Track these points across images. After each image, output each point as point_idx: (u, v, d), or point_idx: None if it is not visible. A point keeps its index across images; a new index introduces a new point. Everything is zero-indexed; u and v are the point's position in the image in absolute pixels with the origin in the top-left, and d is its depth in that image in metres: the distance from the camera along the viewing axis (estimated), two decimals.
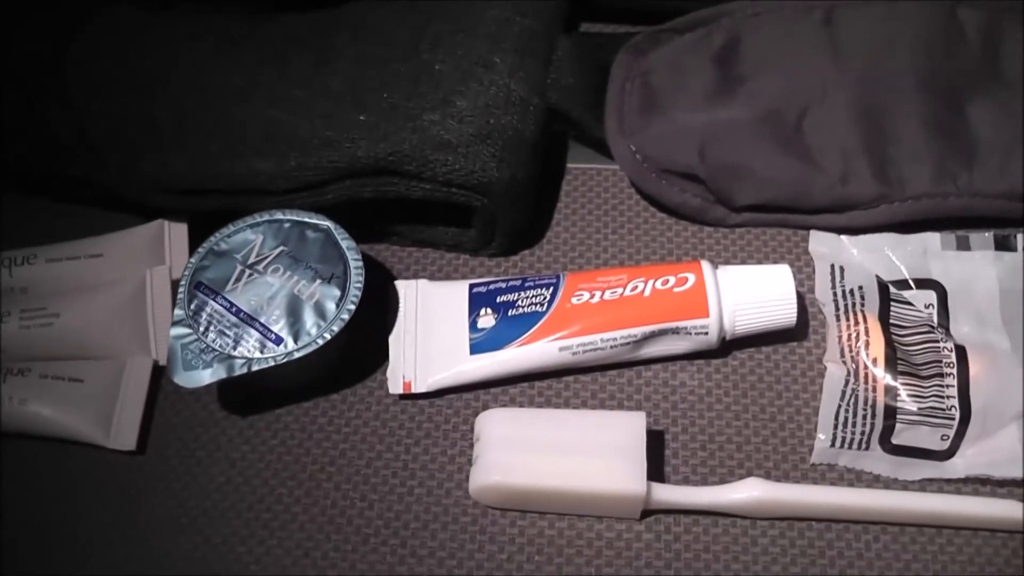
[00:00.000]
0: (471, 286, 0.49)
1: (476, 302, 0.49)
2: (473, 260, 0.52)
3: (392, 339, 0.49)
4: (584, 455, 0.44)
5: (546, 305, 0.48)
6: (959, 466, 0.46)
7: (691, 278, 0.47)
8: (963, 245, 0.51)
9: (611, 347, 0.47)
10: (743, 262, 0.52)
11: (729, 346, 0.49)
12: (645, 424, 0.44)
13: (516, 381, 0.49)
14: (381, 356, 0.49)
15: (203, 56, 0.52)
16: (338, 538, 0.45)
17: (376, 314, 0.50)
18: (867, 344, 0.48)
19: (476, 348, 0.48)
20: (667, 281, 0.47)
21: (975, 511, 0.44)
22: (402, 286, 0.50)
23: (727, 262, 0.52)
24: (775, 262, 0.52)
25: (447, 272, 0.52)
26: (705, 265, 0.48)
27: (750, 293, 0.47)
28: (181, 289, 0.47)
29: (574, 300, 0.47)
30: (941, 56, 0.53)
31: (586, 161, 0.55)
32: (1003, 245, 0.51)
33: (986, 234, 0.51)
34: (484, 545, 0.45)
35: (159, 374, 0.49)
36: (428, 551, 0.45)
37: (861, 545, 0.45)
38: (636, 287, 0.47)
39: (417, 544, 0.45)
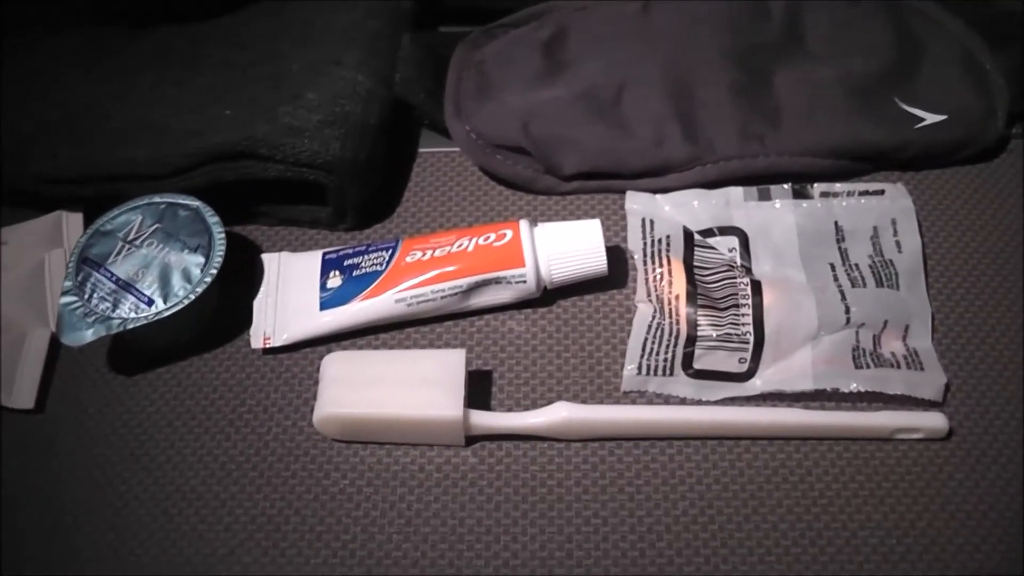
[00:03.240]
0: (324, 253, 0.57)
1: (327, 267, 0.56)
2: (331, 235, 0.60)
3: (256, 303, 0.57)
4: (409, 387, 0.51)
5: (385, 264, 0.55)
6: (757, 385, 0.53)
7: (508, 233, 0.55)
8: (764, 196, 0.58)
9: (441, 298, 0.54)
10: None
11: (553, 295, 0.56)
12: (464, 359, 0.52)
13: (363, 334, 0.56)
14: (248, 319, 0.56)
15: (87, 65, 0.61)
16: (209, 477, 0.52)
17: (244, 284, 0.57)
18: (670, 283, 0.55)
19: (325, 304, 0.55)
20: (488, 237, 0.55)
21: (750, 419, 0.51)
22: (266, 258, 0.58)
23: None
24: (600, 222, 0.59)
25: (309, 246, 0.60)
26: (523, 223, 0.55)
27: (563, 245, 0.55)
28: (69, 264, 0.55)
29: (408, 259, 0.55)
30: (746, 32, 0.61)
31: (435, 145, 0.63)
32: (800, 194, 0.58)
33: (785, 186, 0.58)
34: (330, 473, 0.52)
35: (57, 344, 0.57)
36: (282, 480, 0.52)
37: (665, 458, 0.52)
38: (462, 244, 0.55)
39: (273, 475, 0.52)
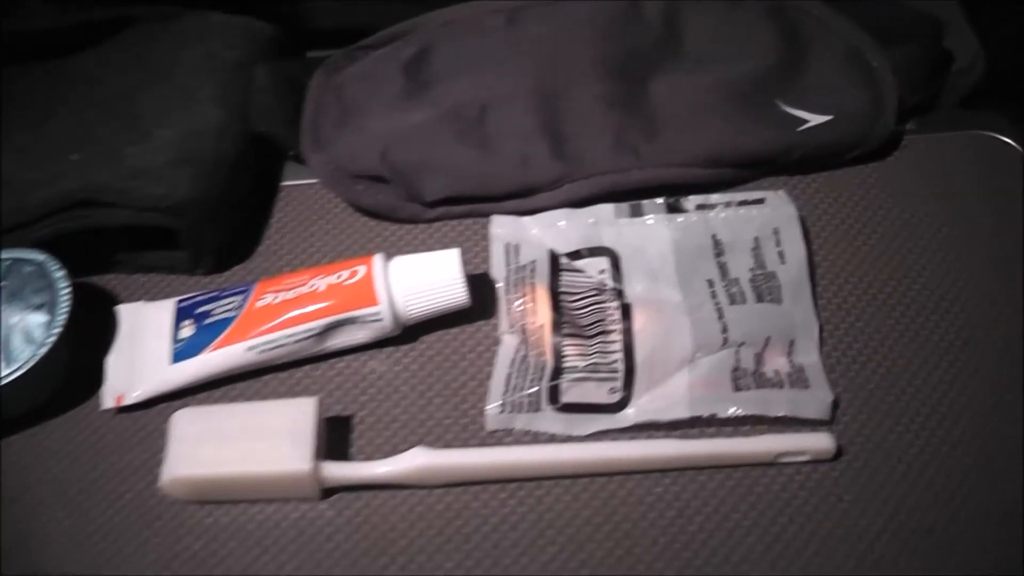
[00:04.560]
0: (178, 301, 0.55)
1: (181, 315, 0.55)
2: (190, 280, 0.58)
3: (109, 359, 0.55)
4: (258, 441, 0.49)
5: (237, 310, 0.53)
6: (630, 415, 0.51)
7: (361, 270, 0.53)
8: (636, 212, 0.56)
9: (295, 342, 0.53)
10: None
11: (416, 330, 0.55)
12: (316, 408, 0.50)
13: (220, 384, 0.54)
14: (101, 379, 0.55)
15: None
16: (61, 551, 0.50)
17: (98, 338, 0.55)
18: (534, 312, 0.53)
19: (177, 356, 0.53)
20: (340, 275, 0.53)
21: (621, 454, 0.49)
22: (121, 309, 0.56)
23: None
24: (468, 250, 0.57)
25: (168, 293, 0.58)
26: (377, 258, 0.53)
27: (420, 278, 0.53)
28: None
29: (259, 304, 0.53)
30: (618, 40, 0.59)
31: (301, 177, 0.61)
32: (674, 208, 0.56)
33: (658, 201, 0.56)
34: (182, 538, 0.50)
35: None
36: (134, 549, 0.50)
37: (533, 500, 0.50)
38: (314, 285, 0.53)
39: (125, 544, 0.50)
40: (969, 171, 0.60)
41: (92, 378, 0.55)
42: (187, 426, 0.50)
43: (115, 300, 0.58)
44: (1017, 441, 0.50)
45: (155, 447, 0.52)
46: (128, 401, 0.53)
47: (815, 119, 0.58)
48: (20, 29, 0.63)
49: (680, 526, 0.48)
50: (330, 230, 0.59)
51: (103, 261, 0.58)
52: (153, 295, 0.58)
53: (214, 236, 0.57)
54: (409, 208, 0.58)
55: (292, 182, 0.62)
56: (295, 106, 0.60)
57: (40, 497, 0.52)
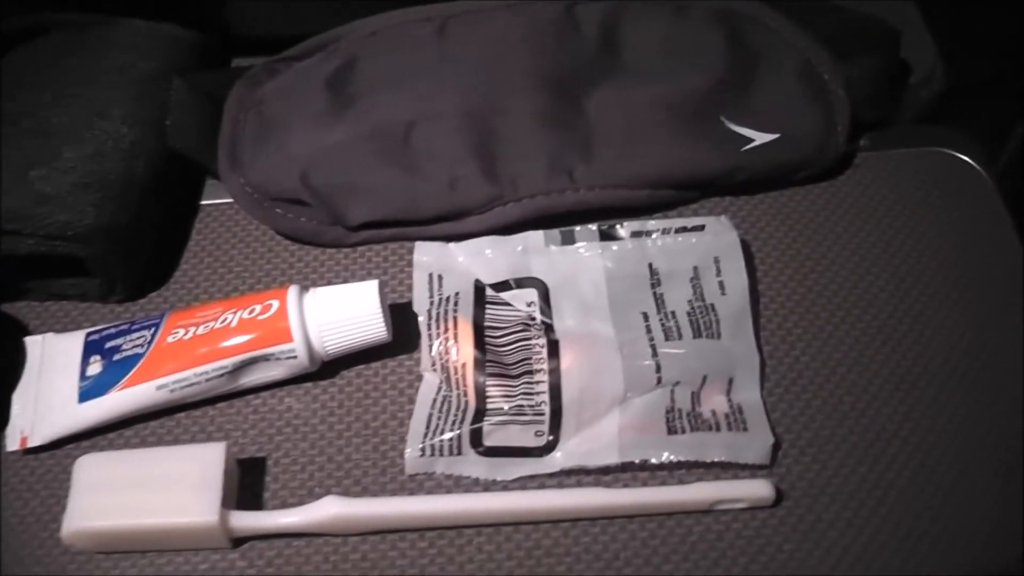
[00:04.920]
0: (88, 334, 0.53)
1: (89, 350, 0.52)
2: (104, 308, 0.56)
3: (15, 396, 0.52)
4: (162, 491, 0.47)
5: (146, 346, 0.51)
6: (557, 459, 0.49)
7: (275, 304, 0.50)
8: (568, 240, 0.53)
9: (206, 380, 0.50)
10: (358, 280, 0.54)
11: (336, 365, 0.52)
12: (224, 454, 0.47)
13: (131, 423, 0.52)
14: (6, 417, 0.52)
15: None
16: None
17: (4, 372, 0.53)
18: (457, 349, 0.50)
19: (84, 395, 0.51)
20: (253, 310, 0.50)
21: (543, 503, 0.47)
22: (29, 342, 0.54)
23: (345, 282, 0.54)
24: (393, 276, 0.54)
25: (80, 323, 0.55)
26: (292, 290, 0.51)
27: (337, 313, 0.50)
28: None
29: (170, 339, 0.51)
30: (554, 53, 0.57)
31: (221, 196, 0.58)
32: (608, 235, 0.53)
33: (591, 227, 0.54)
34: None
35: None
36: None
37: (453, 550, 0.48)
38: (226, 319, 0.50)
39: None
40: (925, 191, 0.58)
41: None
42: (90, 473, 0.48)
43: (25, 330, 0.55)
44: (973, 483, 0.48)
45: (62, 491, 0.50)
46: (33, 443, 0.51)
47: (762, 138, 0.55)
48: None
49: (610, 574, 0.46)
50: (250, 254, 0.57)
51: (12, 288, 0.56)
52: (65, 324, 0.56)
53: (126, 263, 0.55)
54: (332, 232, 0.55)
55: (212, 201, 0.59)
56: (212, 123, 0.57)
57: None
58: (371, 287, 0.51)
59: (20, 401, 0.52)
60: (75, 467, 0.49)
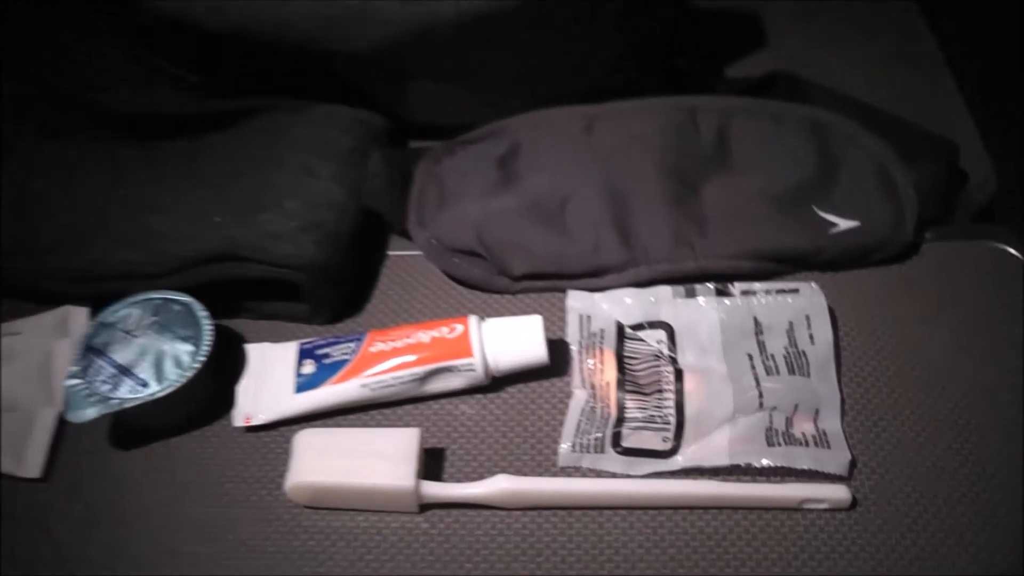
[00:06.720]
0: (300, 344, 0.70)
1: (302, 356, 0.69)
2: (307, 328, 0.73)
3: (240, 387, 0.69)
4: (369, 459, 0.63)
5: (352, 354, 0.68)
6: (679, 461, 0.64)
7: (460, 328, 0.67)
8: (690, 294, 0.70)
9: (400, 384, 0.67)
10: None
11: (501, 382, 0.69)
12: (418, 437, 0.63)
13: (332, 415, 0.68)
14: (232, 402, 0.69)
15: (92, 174, 0.75)
16: (193, 538, 0.64)
17: (229, 370, 0.70)
18: (602, 372, 0.67)
19: (300, 388, 0.68)
20: (441, 331, 0.67)
21: (670, 490, 0.63)
22: (249, 348, 0.71)
23: None
24: (546, 318, 0.71)
25: (287, 337, 0.73)
26: (472, 318, 0.68)
27: (508, 338, 0.67)
28: (76, 351, 0.68)
29: (372, 349, 0.68)
30: (678, 149, 0.74)
31: (402, 249, 0.77)
32: (723, 292, 0.70)
33: (709, 285, 0.71)
34: (299, 535, 0.64)
35: (63, 423, 0.69)
36: (257, 542, 0.63)
37: (595, 525, 0.63)
38: (419, 337, 0.67)
39: (249, 537, 0.63)
40: (979, 277, 0.73)
41: (225, 401, 0.69)
42: (309, 442, 0.64)
43: (243, 340, 0.73)
44: (1013, 507, 0.63)
45: (275, 462, 0.66)
46: (256, 422, 0.68)
47: (845, 224, 0.72)
48: (164, 111, 0.79)
49: (718, 554, 0.61)
50: (428, 295, 0.74)
51: (233, 308, 0.73)
52: (274, 339, 0.73)
53: (332, 293, 0.72)
54: (498, 281, 0.73)
55: (396, 252, 0.77)
56: (402, 189, 0.75)
57: (178, 492, 0.66)
58: (537, 320, 0.68)
59: (243, 392, 0.69)
60: (296, 438, 0.65)
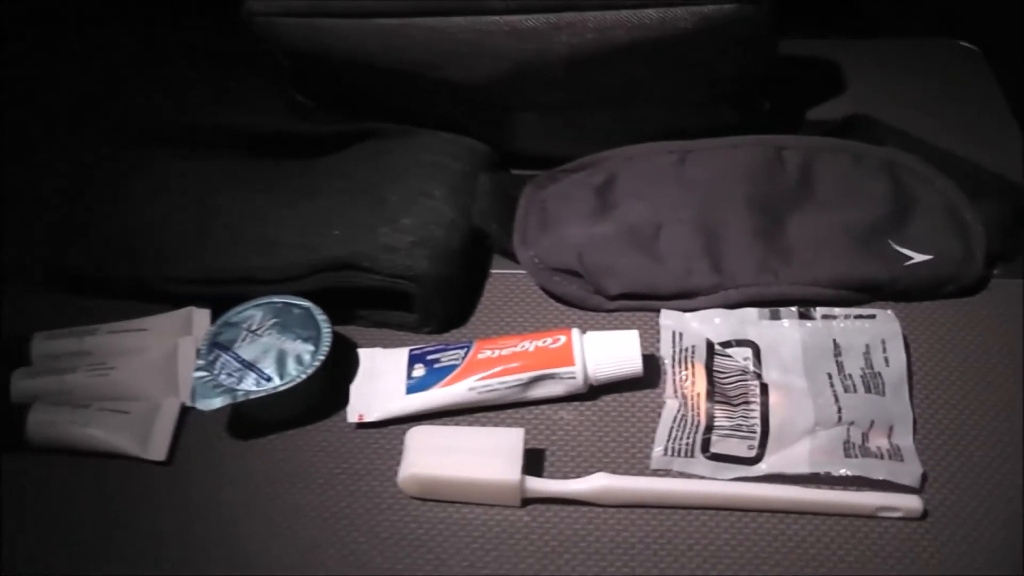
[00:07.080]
0: (411, 350, 0.76)
1: (412, 360, 0.75)
2: (414, 336, 0.79)
3: (353, 387, 0.76)
4: (477, 455, 0.69)
5: (461, 360, 0.74)
6: (763, 468, 0.70)
7: (563, 339, 0.73)
8: (775, 316, 0.76)
9: (506, 388, 0.73)
10: None
11: (598, 391, 0.75)
12: (523, 436, 0.69)
13: (439, 416, 0.74)
14: (345, 400, 0.75)
15: (216, 188, 0.82)
16: (310, 523, 0.69)
17: (343, 371, 0.76)
18: (693, 383, 0.73)
19: (410, 390, 0.74)
20: (545, 341, 0.73)
21: (754, 493, 0.69)
22: (362, 352, 0.77)
23: None
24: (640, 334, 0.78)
25: (396, 344, 0.79)
26: (574, 330, 0.74)
27: (606, 350, 0.73)
28: (202, 346, 0.74)
29: (479, 356, 0.74)
30: (765, 184, 0.81)
31: (505, 268, 0.83)
32: (805, 316, 0.76)
33: (792, 309, 0.77)
34: (408, 524, 0.69)
35: (186, 412, 0.75)
36: (368, 528, 0.69)
37: (685, 523, 0.68)
38: (524, 346, 0.73)
39: (362, 523, 0.69)
40: None
41: (339, 400, 0.75)
42: (421, 439, 0.70)
43: (356, 345, 0.79)
44: None
45: (385, 456, 0.72)
46: (368, 419, 0.74)
47: (919, 257, 0.78)
48: (284, 132, 0.86)
49: (797, 555, 0.67)
50: (528, 311, 0.80)
51: (345, 315, 0.80)
52: (384, 345, 0.79)
53: (441, 305, 0.78)
54: (594, 299, 0.79)
55: (498, 271, 0.83)
56: (507, 211, 0.82)
57: (293, 479, 0.72)
58: (634, 334, 0.74)
59: (356, 391, 0.75)
60: (408, 433, 0.71)
